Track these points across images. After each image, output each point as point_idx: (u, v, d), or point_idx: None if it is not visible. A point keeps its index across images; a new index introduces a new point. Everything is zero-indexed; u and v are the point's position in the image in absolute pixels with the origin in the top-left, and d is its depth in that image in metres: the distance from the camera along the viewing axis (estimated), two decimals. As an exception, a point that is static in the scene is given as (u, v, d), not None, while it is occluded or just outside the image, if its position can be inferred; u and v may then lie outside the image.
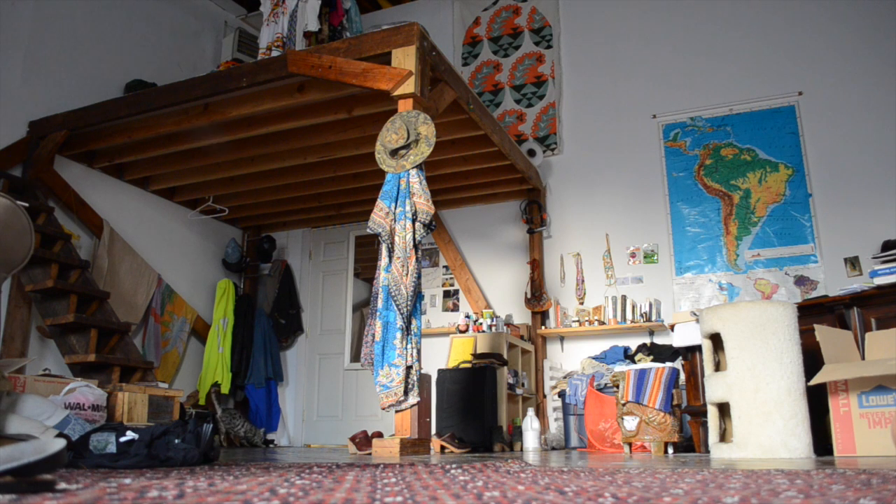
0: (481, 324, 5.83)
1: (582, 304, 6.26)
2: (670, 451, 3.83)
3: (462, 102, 4.67)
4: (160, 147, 5.53)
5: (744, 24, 6.26)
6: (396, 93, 3.90)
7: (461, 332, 5.87)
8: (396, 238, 3.53)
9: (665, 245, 6.12)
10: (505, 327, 5.86)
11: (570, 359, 6.22)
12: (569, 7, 7.02)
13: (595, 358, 5.81)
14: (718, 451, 3.27)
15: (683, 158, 6.23)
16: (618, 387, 4.03)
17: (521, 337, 6.09)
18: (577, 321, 6.09)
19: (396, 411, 3.49)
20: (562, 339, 6.31)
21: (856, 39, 5.86)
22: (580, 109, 6.74)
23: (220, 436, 6.02)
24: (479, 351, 5.49)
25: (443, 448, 4.58)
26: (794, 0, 6.13)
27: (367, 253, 7.93)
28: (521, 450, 5.15)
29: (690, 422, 4.12)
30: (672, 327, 4.26)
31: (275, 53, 5.05)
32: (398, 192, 3.61)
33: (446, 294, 6.84)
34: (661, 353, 5.23)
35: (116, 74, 6.04)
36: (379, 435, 4.17)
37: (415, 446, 3.47)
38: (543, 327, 6.24)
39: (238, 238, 7.37)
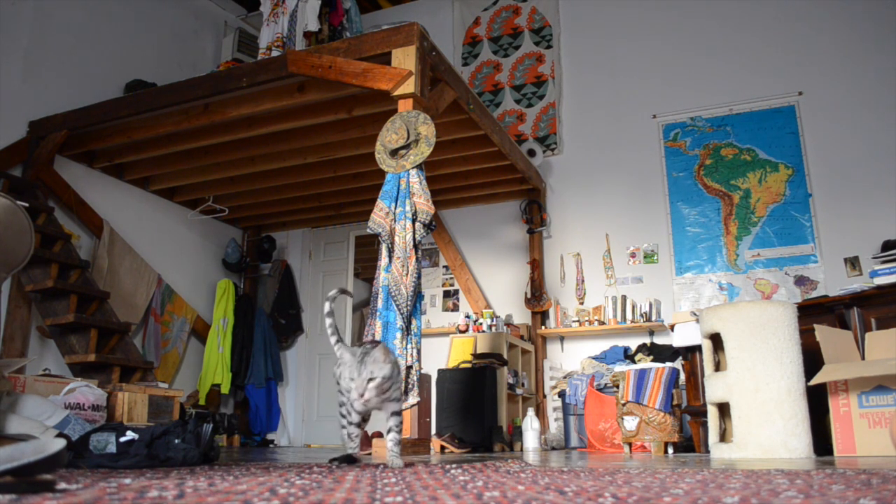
0: (481, 324, 5.83)
1: (582, 304, 6.26)
2: (670, 451, 3.83)
3: (462, 102, 4.67)
4: (160, 147, 5.53)
5: (744, 24, 6.27)
6: (396, 93, 3.90)
7: (461, 332, 5.87)
8: (396, 238, 3.53)
9: (665, 245, 6.12)
10: (505, 327, 5.86)
11: (570, 359, 6.22)
12: (569, 7, 7.02)
13: (595, 358, 5.81)
14: (718, 451, 3.27)
15: (683, 158, 6.23)
16: (618, 387, 4.03)
17: (521, 337, 6.09)
18: (577, 321, 6.09)
19: (396, 411, 3.48)
20: (562, 339, 6.31)
21: (856, 39, 5.86)
22: (580, 109, 6.74)
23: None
24: (479, 351, 5.49)
25: (443, 448, 4.58)
26: (795, 0, 6.13)
27: (367, 253, 7.93)
28: (521, 450, 5.15)
29: (690, 422, 4.13)
30: (672, 327, 4.26)
31: (275, 53, 5.05)
32: (398, 192, 3.61)
33: (446, 294, 6.85)
34: (661, 353, 5.23)
35: (116, 74, 6.04)
36: (379, 435, 4.17)
37: (415, 446, 3.47)
38: (543, 327, 6.24)
39: (238, 238, 7.37)
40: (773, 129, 5.97)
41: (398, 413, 2.20)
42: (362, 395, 2.09)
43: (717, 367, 3.47)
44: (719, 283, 5.86)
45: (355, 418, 2.25)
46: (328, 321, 2.52)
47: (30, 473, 1.05)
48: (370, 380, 2.09)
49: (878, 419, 3.07)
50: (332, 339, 2.47)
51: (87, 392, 3.47)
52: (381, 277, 3.55)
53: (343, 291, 2.71)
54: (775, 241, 5.76)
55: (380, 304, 3.52)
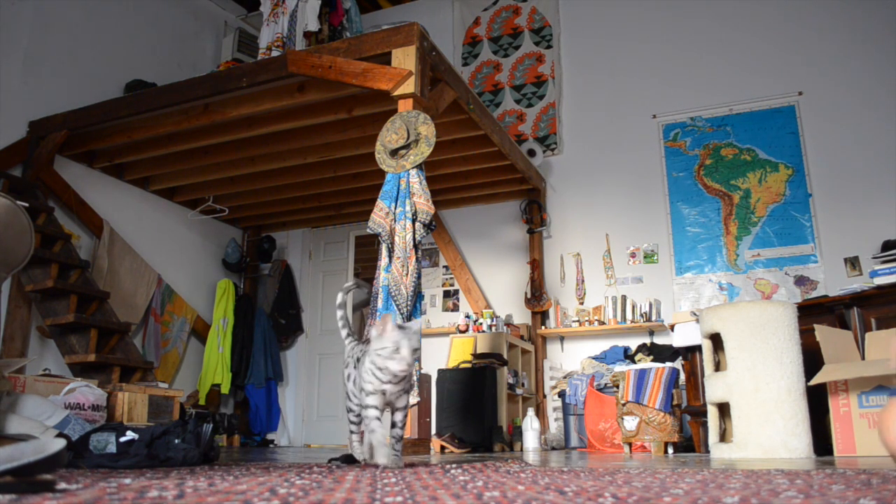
0: (481, 324, 5.83)
1: (582, 304, 6.26)
2: (670, 451, 3.83)
3: (462, 102, 4.67)
4: (160, 147, 5.53)
5: (744, 24, 6.27)
6: (396, 93, 3.90)
7: (461, 332, 5.87)
8: (396, 238, 3.53)
9: (665, 245, 6.12)
10: (505, 327, 5.86)
11: (570, 359, 6.22)
12: (569, 7, 7.02)
13: (595, 358, 5.81)
14: (718, 451, 3.27)
15: (683, 158, 6.23)
16: (618, 387, 4.03)
17: (521, 337, 6.09)
18: (577, 321, 6.09)
19: (396, 411, 3.48)
20: (562, 339, 6.31)
21: (856, 39, 5.86)
22: (580, 109, 6.74)
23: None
24: (479, 351, 5.49)
25: (443, 448, 4.58)
26: (795, 0, 6.13)
27: (367, 253, 7.93)
28: (521, 450, 5.15)
29: (690, 422, 4.13)
30: (672, 327, 4.26)
31: (275, 53, 5.05)
32: (398, 192, 3.61)
33: (446, 294, 6.85)
34: (661, 353, 5.23)
35: (116, 74, 6.05)
36: (379, 435, 4.17)
37: (415, 446, 3.47)
38: (543, 327, 6.24)
39: (238, 238, 7.37)
40: (773, 129, 5.97)
41: (405, 409, 2.14)
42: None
43: (717, 367, 3.47)
44: (719, 283, 5.86)
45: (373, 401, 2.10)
46: (339, 313, 2.44)
47: (30, 473, 1.05)
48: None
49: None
50: (343, 333, 2.41)
51: (87, 392, 3.47)
52: (381, 277, 3.55)
53: (359, 285, 2.66)
54: (775, 241, 5.76)
55: (380, 304, 3.52)
